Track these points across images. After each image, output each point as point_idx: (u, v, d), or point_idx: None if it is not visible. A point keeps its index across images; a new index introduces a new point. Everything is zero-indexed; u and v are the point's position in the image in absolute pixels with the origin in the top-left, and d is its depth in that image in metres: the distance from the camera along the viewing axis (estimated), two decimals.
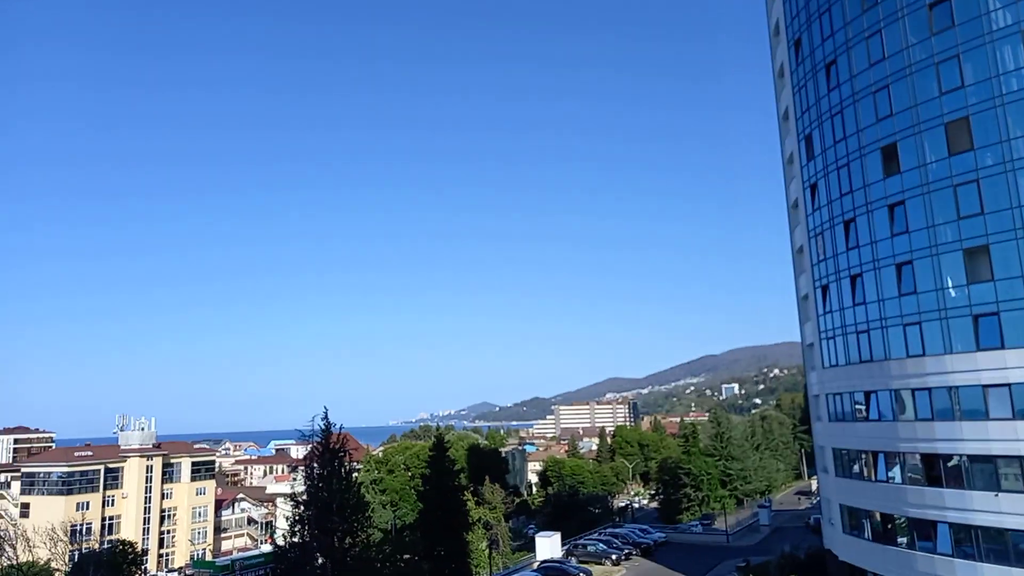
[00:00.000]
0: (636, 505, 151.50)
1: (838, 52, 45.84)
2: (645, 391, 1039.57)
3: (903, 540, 40.31)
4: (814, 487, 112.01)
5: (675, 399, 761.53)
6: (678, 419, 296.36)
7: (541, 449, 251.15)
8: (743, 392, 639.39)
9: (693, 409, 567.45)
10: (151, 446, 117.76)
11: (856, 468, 44.03)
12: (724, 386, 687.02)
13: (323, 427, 44.41)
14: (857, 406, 44.02)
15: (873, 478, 42.30)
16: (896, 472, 40.82)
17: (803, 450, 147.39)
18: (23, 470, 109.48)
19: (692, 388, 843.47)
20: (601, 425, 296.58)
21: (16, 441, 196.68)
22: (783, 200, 54.62)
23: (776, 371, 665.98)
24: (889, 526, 41.35)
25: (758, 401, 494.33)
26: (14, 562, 52.54)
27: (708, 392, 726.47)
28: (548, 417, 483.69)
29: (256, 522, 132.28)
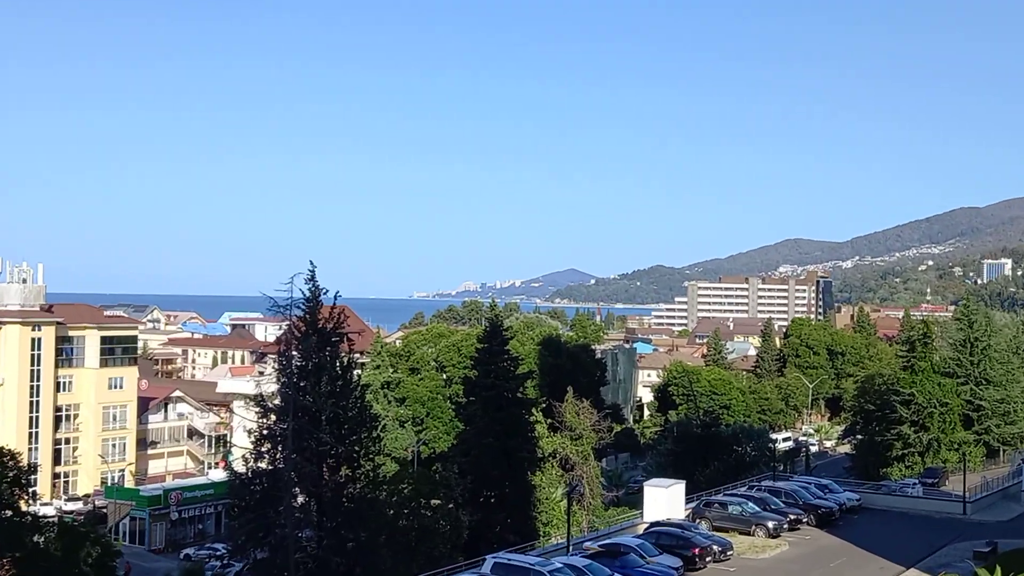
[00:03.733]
0: (814, 448, 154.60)
1: None
2: (847, 264, 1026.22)
3: None
4: None
5: (897, 280, 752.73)
6: (899, 313, 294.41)
7: (663, 350, 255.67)
8: (1020, 273, 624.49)
9: (928, 299, 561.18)
10: (38, 308, 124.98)
11: None
12: (986, 263, 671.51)
13: (308, 294, 45.99)
14: None
15: None
16: None
17: None
18: None
19: (929, 263, 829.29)
20: (766, 316, 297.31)
21: None
22: None
23: None
24: None
25: None
26: None
27: (957, 271, 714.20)
28: (677, 300, 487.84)
29: (202, 435, 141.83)
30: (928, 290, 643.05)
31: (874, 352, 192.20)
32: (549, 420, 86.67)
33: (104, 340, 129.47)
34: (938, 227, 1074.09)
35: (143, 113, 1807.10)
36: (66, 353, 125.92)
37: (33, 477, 79.84)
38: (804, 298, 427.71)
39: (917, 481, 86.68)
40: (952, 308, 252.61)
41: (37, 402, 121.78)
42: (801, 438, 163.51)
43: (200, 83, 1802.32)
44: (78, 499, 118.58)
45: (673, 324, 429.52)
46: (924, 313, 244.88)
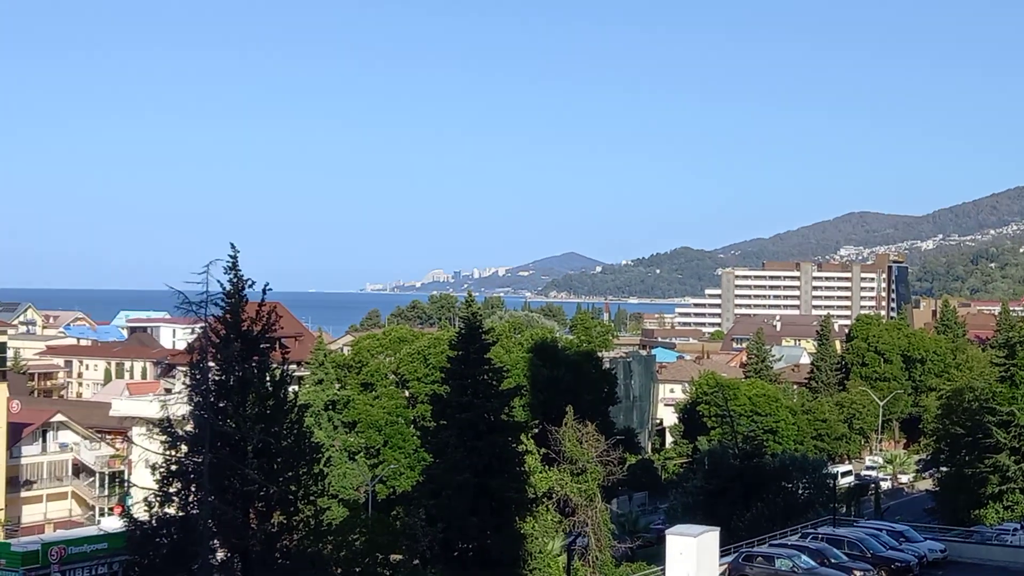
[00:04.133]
0: (886, 484, 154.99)
1: None
2: (927, 244, 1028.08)
3: None
4: None
5: (992, 265, 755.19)
6: (996, 308, 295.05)
7: (690, 358, 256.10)
8: None
9: None
10: None
11: None
12: None
13: (228, 287, 45.89)
14: None
15: None
16: None
17: None
18: None
19: None
20: (823, 313, 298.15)
21: None
22: None
23: None
24: None
25: None
26: None
27: None
28: (708, 292, 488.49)
29: (91, 472, 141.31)
30: None
31: (963, 359, 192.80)
32: (543, 450, 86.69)
33: None
34: None
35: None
36: None
37: None
38: (872, 289, 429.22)
39: (1020, 526, 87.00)
40: None
41: None
42: (869, 471, 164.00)
43: (83, 38, 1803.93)
44: None
45: (703, 324, 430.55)
46: None
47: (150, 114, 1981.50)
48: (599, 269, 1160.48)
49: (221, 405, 44.81)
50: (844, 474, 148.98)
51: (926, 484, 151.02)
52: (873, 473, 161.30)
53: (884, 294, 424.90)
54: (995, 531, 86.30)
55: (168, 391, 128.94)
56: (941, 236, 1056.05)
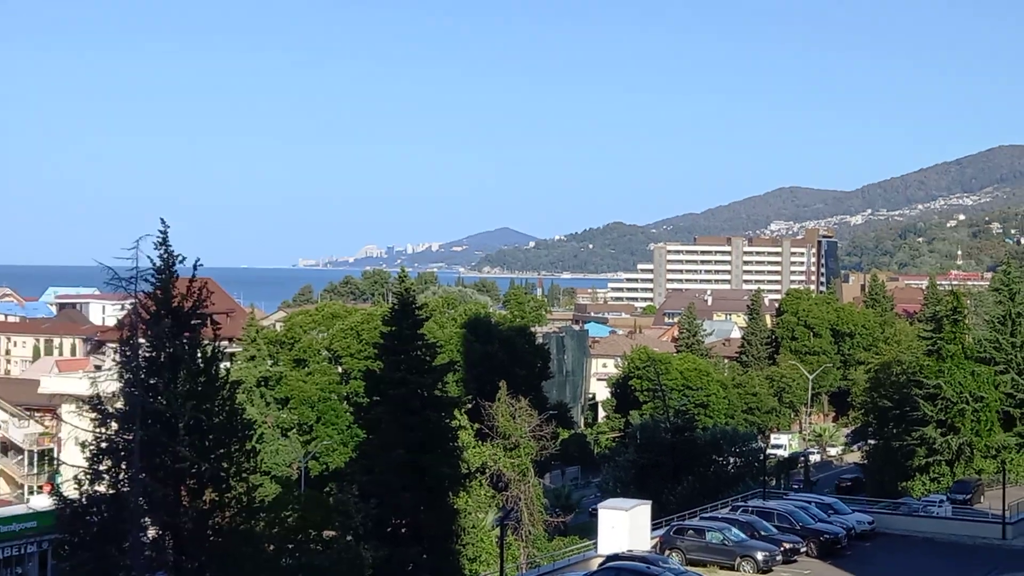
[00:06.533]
0: (815, 456, 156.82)
1: None
2: (856, 219, 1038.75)
3: None
4: None
5: (920, 239, 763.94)
6: (923, 282, 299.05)
7: (622, 332, 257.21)
8: None
9: (959, 264, 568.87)
10: None
11: None
12: None
13: (159, 263, 45.57)
14: None
15: None
16: None
17: None
18: None
19: (960, 218, 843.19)
20: (754, 288, 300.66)
21: None
22: None
23: None
24: None
25: None
26: None
27: (995, 227, 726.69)
28: (640, 267, 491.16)
29: (20, 450, 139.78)
30: (959, 252, 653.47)
31: (891, 333, 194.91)
32: (477, 425, 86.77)
33: None
34: (972, 171, 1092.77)
35: None
36: None
37: None
38: (802, 264, 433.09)
39: (945, 498, 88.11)
40: (989, 275, 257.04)
41: None
42: (796, 444, 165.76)
43: None
44: None
45: (635, 298, 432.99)
46: (954, 282, 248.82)
47: (71, 83, 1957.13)
48: (532, 244, 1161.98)
49: (152, 382, 44.57)
50: (776, 447, 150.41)
51: (854, 456, 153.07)
52: (801, 446, 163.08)
53: (814, 268, 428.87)
54: (922, 503, 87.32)
55: (98, 368, 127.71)
56: (870, 211, 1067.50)
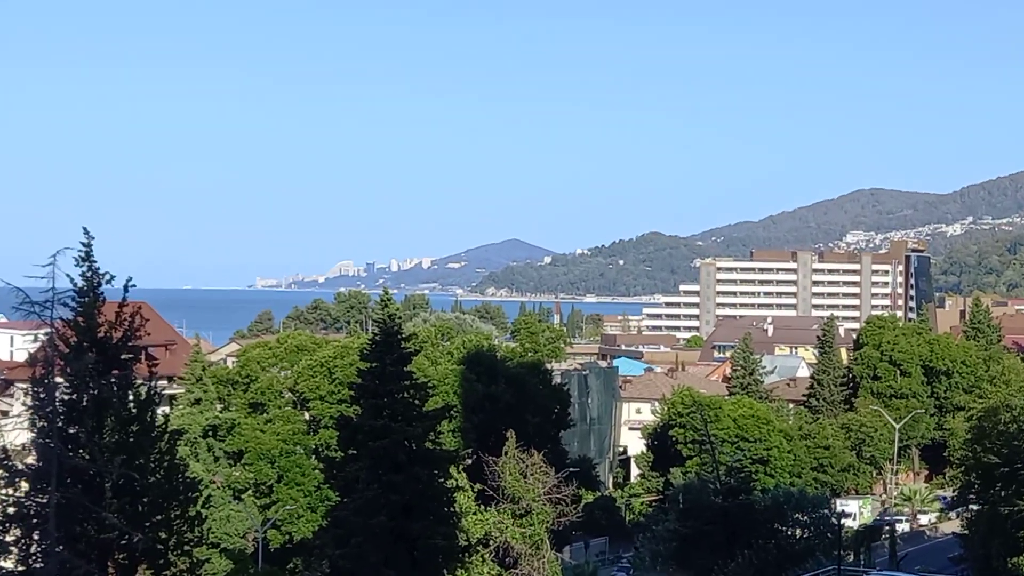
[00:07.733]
0: (904, 525, 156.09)
1: None
2: (953, 229, 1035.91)
3: None
4: None
5: None
6: None
7: (661, 370, 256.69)
8: None
9: None
10: None
11: None
12: None
13: (81, 283, 45.56)
14: None
15: None
16: None
17: None
18: None
19: None
20: (825, 315, 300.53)
21: None
22: None
23: None
24: None
25: None
26: None
27: None
28: (683, 289, 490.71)
29: None
30: None
31: (998, 371, 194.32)
32: (478, 486, 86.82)
33: None
34: None
35: None
36: None
37: None
38: (886, 284, 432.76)
39: None
40: None
41: None
42: (883, 510, 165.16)
43: None
44: None
45: (677, 328, 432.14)
46: None
47: None
48: (548, 260, 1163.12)
49: (72, 431, 44.52)
50: (854, 514, 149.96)
51: (953, 526, 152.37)
52: (885, 513, 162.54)
53: (901, 291, 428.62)
54: None
55: (5, 414, 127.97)
56: (971, 219, 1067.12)
